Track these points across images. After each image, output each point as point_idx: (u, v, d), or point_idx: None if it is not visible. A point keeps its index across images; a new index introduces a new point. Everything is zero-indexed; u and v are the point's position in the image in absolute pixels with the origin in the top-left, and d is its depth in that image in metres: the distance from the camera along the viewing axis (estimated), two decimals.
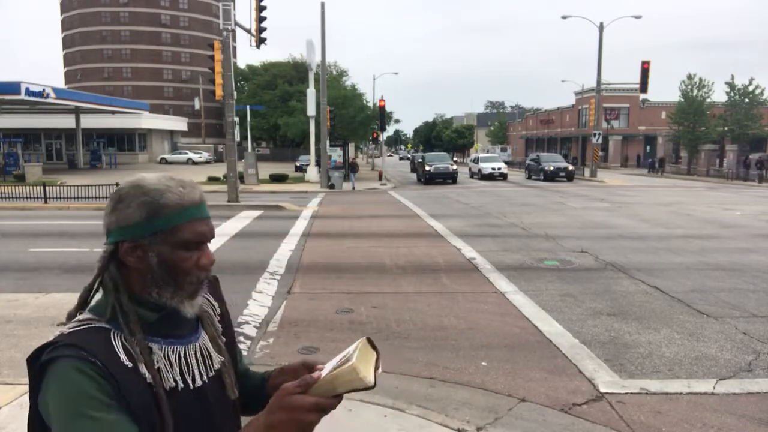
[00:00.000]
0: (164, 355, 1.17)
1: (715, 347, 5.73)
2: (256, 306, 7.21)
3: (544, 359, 5.46)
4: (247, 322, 6.53)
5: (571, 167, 36.78)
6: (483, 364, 5.34)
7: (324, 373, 1.06)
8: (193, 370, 1.21)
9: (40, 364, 1.08)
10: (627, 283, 8.33)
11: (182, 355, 1.20)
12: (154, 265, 1.15)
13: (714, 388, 4.80)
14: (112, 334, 1.12)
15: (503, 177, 36.74)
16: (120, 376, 1.07)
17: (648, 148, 58.11)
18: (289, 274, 8.98)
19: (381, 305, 7.23)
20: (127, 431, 1.03)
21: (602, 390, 4.76)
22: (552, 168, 35.60)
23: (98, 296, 1.19)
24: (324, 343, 5.84)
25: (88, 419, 1.01)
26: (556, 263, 9.77)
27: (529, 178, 38.31)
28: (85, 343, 1.07)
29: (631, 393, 4.72)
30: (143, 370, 1.11)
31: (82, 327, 1.12)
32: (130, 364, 1.10)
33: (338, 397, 1.07)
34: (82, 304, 1.19)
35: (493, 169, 36.95)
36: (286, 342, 5.95)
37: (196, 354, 1.23)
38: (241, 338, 6.01)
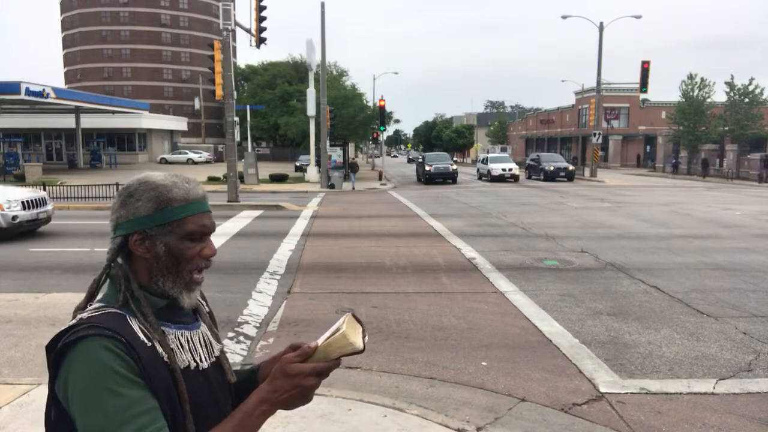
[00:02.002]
0: (175, 338, 1.25)
1: (715, 347, 5.73)
2: (256, 306, 7.22)
3: (544, 359, 5.46)
4: (247, 322, 6.53)
5: (571, 167, 36.25)
6: (483, 363, 5.34)
7: (319, 343, 1.20)
8: (200, 353, 1.30)
9: (61, 346, 1.13)
10: (627, 283, 8.33)
11: (190, 339, 1.28)
12: (161, 254, 1.23)
13: (714, 388, 4.80)
14: (127, 317, 1.19)
15: (515, 179, 34.56)
16: (142, 354, 1.13)
17: (648, 148, 58.11)
18: (289, 274, 8.98)
19: (381, 305, 7.23)
20: (149, 407, 1.10)
21: (602, 390, 4.76)
22: (552, 168, 35.10)
23: (104, 290, 1.26)
24: None
25: (114, 394, 1.07)
26: (556, 263, 9.77)
27: (530, 177, 37.73)
28: (108, 324, 1.14)
29: (631, 393, 4.72)
30: (160, 349, 1.18)
31: (99, 312, 1.18)
32: (149, 344, 1.17)
33: (334, 362, 1.18)
34: (91, 296, 1.25)
35: (504, 170, 34.74)
36: (286, 342, 5.94)
37: (200, 339, 1.32)
38: (241, 338, 6.01)
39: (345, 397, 4.41)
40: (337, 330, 1.19)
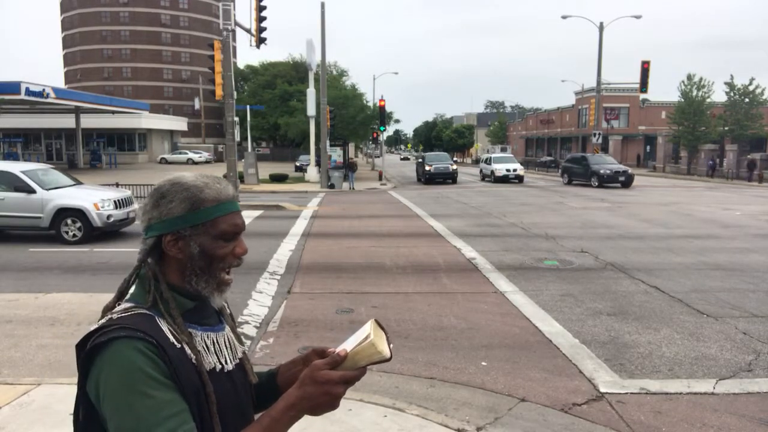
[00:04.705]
0: (202, 339, 1.27)
1: (715, 347, 5.73)
2: (256, 306, 7.22)
3: (544, 359, 5.46)
4: (247, 322, 6.54)
5: (630, 170, 30.67)
6: (483, 363, 5.34)
7: (347, 350, 1.19)
8: (225, 355, 1.31)
9: (91, 347, 1.13)
10: (627, 283, 8.33)
11: (215, 341, 1.30)
12: (194, 254, 1.25)
13: (714, 388, 4.80)
14: (156, 318, 1.20)
15: (519, 180, 33.76)
16: (172, 356, 1.14)
17: (648, 147, 58.12)
18: (289, 274, 8.98)
19: (381, 305, 7.23)
20: (180, 409, 1.11)
21: (602, 390, 4.76)
22: (610, 171, 29.20)
23: (133, 289, 1.27)
24: (324, 343, 5.80)
25: (145, 397, 1.08)
26: (556, 263, 9.77)
27: (569, 183, 32.04)
28: (138, 325, 1.15)
29: (631, 393, 4.72)
30: (188, 351, 1.19)
31: (128, 313, 1.19)
32: (178, 345, 1.18)
33: (361, 370, 1.19)
34: (121, 296, 1.26)
35: (508, 170, 33.78)
36: (286, 342, 5.95)
37: (224, 341, 1.34)
38: (241, 338, 6.00)
39: (345, 397, 4.37)
40: (366, 338, 1.18)
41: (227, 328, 1.37)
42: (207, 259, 1.25)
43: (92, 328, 1.17)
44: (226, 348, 1.32)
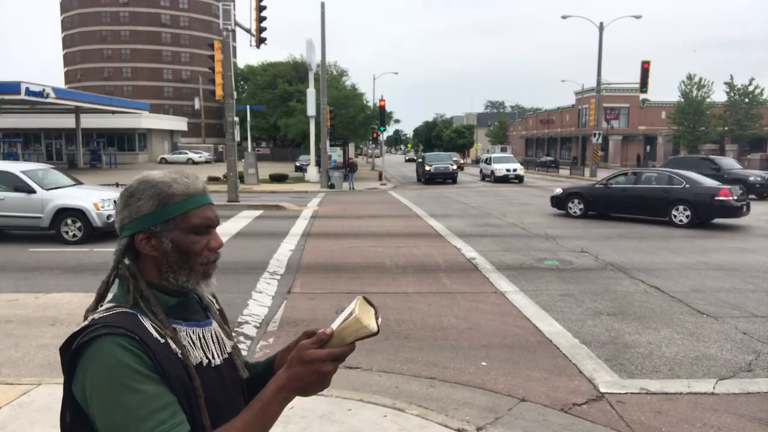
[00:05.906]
0: (187, 335, 1.25)
1: (715, 347, 5.74)
2: (256, 306, 7.22)
3: (544, 359, 5.46)
4: (247, 322, 6.54)
5: None
6: (483, 363, 5.34)
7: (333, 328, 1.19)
8: (212, 350, 1.30)
9: (75, 347, 1.13)
10: (627, 283, 8.33)
11: (201, 336, 1.29)
12: (168, 250, 1.24)
13: (714, 388, 4.80)
14: (139, 316, 1.20)
15: (519, 180, 33.93)
16: (156, 350, 1.14)
17: (648, 148, 58.14)
18: (289, 274, 8.98)
19: (381, 305, 7.23)
20: (168, 402, 1.11)
21: (602, 390, 4.76)
22: (762, 179, 22.19)
23: (114, 290, 1.27)
24: None
25: (132, 391, 1.08)
26: (556, 263, 9.77)
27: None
28: (120, 323, 1.15)
29: (631, 393, 4.72)
30: (173, 346, 1.19)
31: (110, 312, 1.19)
32: (162, 340, 1.18)
33: (350, 346, 1.17)
34: (101, 298, 1.26)
35: (508, 170, 34.04)
36: (286, 342, 5.92)
37: (211, 336, 1.33)
38: (241, 338, 6.01)
39: (345, 397, 4.41)
40: (351, 314, 1.18)
41: (214, 324, 1.36)
42: (182, 254, 1.24)
43: (75, 330, 1.17)
44: (214, 343, 1.32)
